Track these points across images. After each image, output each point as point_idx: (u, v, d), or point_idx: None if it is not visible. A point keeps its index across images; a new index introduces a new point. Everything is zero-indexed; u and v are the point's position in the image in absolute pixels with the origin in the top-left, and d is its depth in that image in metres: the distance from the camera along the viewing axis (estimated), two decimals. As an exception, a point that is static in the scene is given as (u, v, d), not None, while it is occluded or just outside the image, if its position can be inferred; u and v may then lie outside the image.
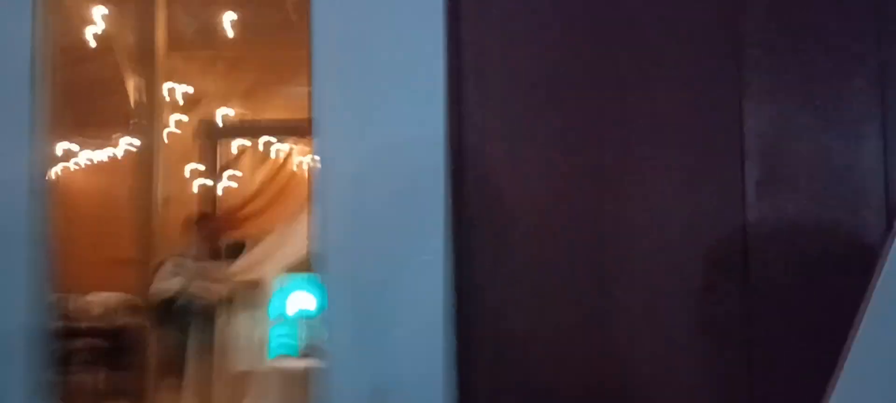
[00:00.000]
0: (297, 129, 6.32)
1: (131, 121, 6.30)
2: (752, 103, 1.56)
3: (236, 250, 5.86)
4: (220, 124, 6.49)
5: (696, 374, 1.57)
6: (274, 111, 7.73)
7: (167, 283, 5.36)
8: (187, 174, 7.52)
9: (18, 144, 1.76)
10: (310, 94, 1.75)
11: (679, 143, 1.60)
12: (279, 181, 6.67)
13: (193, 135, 6.26)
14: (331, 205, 1.67)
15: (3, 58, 1.77)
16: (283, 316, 6.30)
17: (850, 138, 1.52)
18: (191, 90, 7.24)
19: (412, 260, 1.54)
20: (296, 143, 6.63)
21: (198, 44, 6.98)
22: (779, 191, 1.55)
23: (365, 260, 1.63)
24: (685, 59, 1.61)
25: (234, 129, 6.54)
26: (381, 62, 1.72)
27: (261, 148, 6.96)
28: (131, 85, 6.34)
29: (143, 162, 6.17)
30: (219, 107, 7.41)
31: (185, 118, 7.22)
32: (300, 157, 6.77)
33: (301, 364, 5.28)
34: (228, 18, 6.49)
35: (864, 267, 1.47)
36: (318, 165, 1.76)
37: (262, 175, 6.82)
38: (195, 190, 7.36)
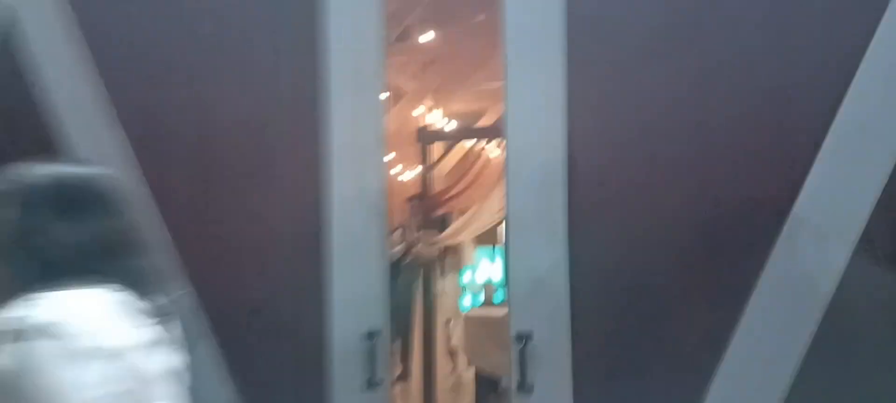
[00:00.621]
0: (488, 131, 7.50)
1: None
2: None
3: (443, 222, 7.18)
4: (429, 129, 7.73)
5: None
6: (461, 103, 8.46)
7: (396, 248, 6.56)
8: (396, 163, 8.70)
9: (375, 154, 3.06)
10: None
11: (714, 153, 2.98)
12: (474, 168, 7.79)
13: (411, 136, 7.46)
14: (514, 186, 2.97)
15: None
16: (474, 278, 7.68)
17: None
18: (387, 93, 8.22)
19: (544, 219, 2.98)
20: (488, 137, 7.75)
21: (394, 49, 7.68)
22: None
23: (531, 224, 3.00)
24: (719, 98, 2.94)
25: (439, 134, 7.78)
26: (533, 79, 2.94)
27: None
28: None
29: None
30: (415, 105, 8.25)
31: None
32: (490, 147, 7.87)
33: (491, 313, 6.69)
34: (422, 24, 7.07)
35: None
36: (508, 155, 2.96)
37: (459, 163, 8.01)
38: (406, 177, 8.55)
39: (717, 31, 2.94)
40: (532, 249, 3.01)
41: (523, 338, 2.98)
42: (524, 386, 2.98)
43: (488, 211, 6.94)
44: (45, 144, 3.11)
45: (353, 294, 3.07)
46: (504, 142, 3.02)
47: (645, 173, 2.99)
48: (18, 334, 1.51)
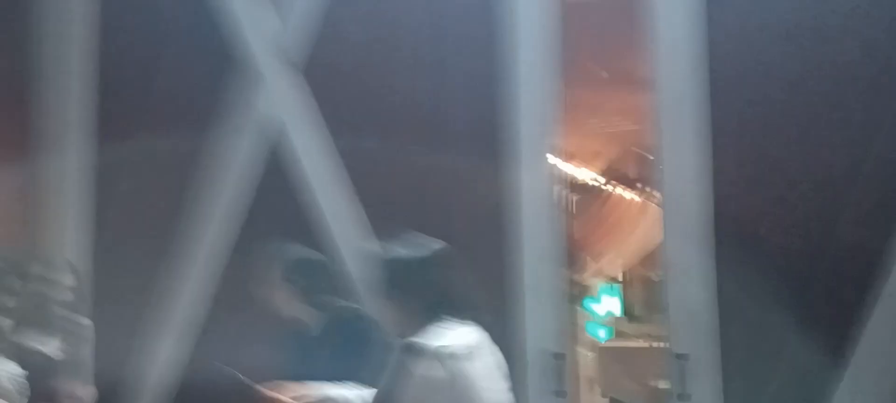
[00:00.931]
0: (617, 176, 8.06)
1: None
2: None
3: (578, 259, 7.71)
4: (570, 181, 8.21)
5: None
6: (579, 140, 8.02)
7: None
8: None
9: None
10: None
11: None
12: (606, 211, 8.19)
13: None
14: (669, 229, 3.65)
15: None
16: (597, 312, 8.16)
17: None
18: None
19: (695, 256, 3.61)
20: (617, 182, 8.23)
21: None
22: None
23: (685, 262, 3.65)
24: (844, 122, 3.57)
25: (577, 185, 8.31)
26: (683, 135, 3.62)
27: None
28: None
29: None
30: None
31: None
32: (620, 190, 8.19)
33: (623, 344, 7.20)
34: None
35: None
36: (665, 202, 3.66)
37: (594, 207, 8.27)
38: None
39: (855, 83, 3.56)
40: (686, 283, 3.61)
41: (681, 358, 3.57)
42: (682, 398, 3.56)
43: (623, 252, 7.33)
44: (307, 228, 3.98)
45: (540, 318, 3.73)
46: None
47: (781, 214, 3.62)
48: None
